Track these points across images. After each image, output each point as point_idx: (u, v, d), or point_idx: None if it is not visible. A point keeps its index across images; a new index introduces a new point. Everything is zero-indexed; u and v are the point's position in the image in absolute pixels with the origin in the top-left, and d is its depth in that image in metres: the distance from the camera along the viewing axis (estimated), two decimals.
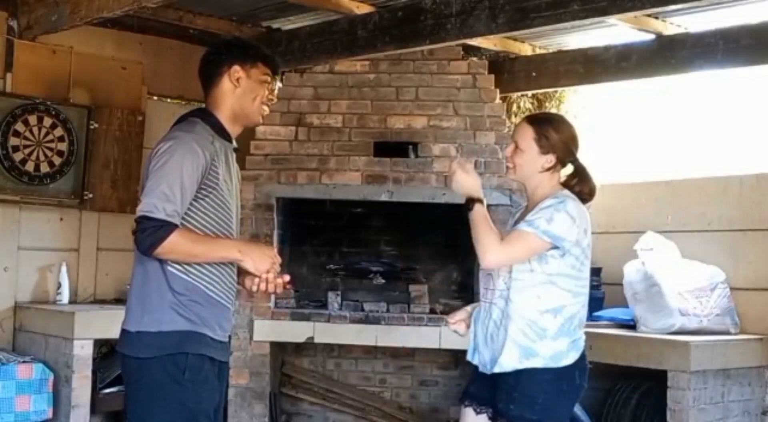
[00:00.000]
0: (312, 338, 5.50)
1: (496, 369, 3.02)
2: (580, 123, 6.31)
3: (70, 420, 4.80)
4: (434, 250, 5.91)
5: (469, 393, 3.20)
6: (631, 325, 5.16)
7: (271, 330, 5.53)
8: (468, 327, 3.23)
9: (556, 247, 2.97)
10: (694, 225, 5.34)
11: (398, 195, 5.54)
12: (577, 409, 5.04)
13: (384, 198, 5.53)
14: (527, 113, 6.28)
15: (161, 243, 2.64)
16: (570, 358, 3.00)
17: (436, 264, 5.94)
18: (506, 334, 3.00)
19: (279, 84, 5.94)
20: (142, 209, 2.67)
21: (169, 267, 2.73)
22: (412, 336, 5.42)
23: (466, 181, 3.07)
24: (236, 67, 2.87)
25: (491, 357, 3.07)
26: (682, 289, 4.98)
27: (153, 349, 2.72)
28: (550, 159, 3.07)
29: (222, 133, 2.89)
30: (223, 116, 2.90)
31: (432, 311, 5.46)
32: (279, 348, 5.79)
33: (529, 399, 2.95)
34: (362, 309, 5.57)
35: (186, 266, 2.74)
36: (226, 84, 2.89)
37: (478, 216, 3.02)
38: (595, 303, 5.49)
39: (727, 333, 4.98)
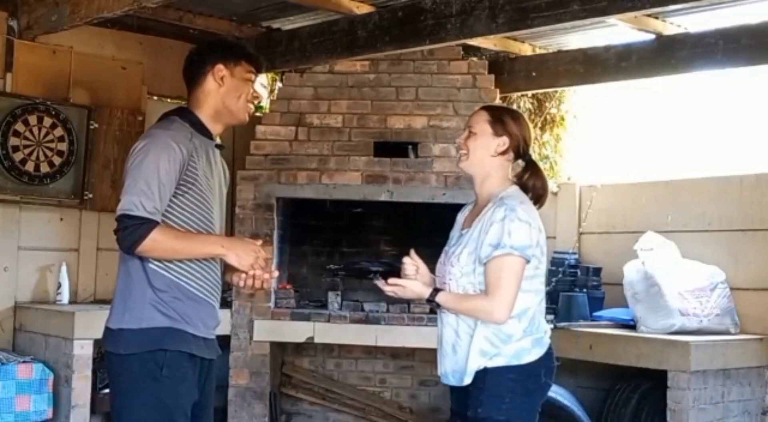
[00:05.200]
0: (312, 338, 5.50)
1: (466, 381, 2.97)
2: (580, 123, 6.34)
3: (70, 420, 4.80)
4: (434, 250, 5.88)
5: (453, 411, 3.19)
6: (631, 325, 5.16)
7: (271, 330, 5.53)
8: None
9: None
10: (694, 226, 5.34)
11: (398, 195, 5.54)
12: (577, 409, 5.05)
13: (384, 198, 5.53)
14: (527, 113, 6.29)
15: (143, 240, 2.65)
16: (533, 355, 2.96)
17: (436, 264, 5.93)
18: (470, 343, 2.96)
19: (279, 84, 5.96)
20: (122, 208, 2.68)
21: (150, 265, 2.75)
22: (412, 336, 5.42)
23: (415, 289, 3.05)
24: (220, 66, 2.89)
25: (452, 369, 3.03)
26: (682, 289, 4.98)
27: (133, 346, 2.74)
28: (504, 141, 3.03)
29: (202, 130, 2.89)
30: (205, 114, 2.92)
31: (432, 311, 5.45)
32: (279, 348, 5.79)
33: (496, 400, 2.93)
34: (362, 309, 5.57)
35: (167, 263, 2.76)
36: (210, 83, 2.90)
37: (449, 301, 2.98)
38: (595, 303, 5.49)
39: (727, 333, 4.98)
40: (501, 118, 3.06)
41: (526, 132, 3.09)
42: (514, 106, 6.22)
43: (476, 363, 2.95)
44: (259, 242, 2.89)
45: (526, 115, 6.15)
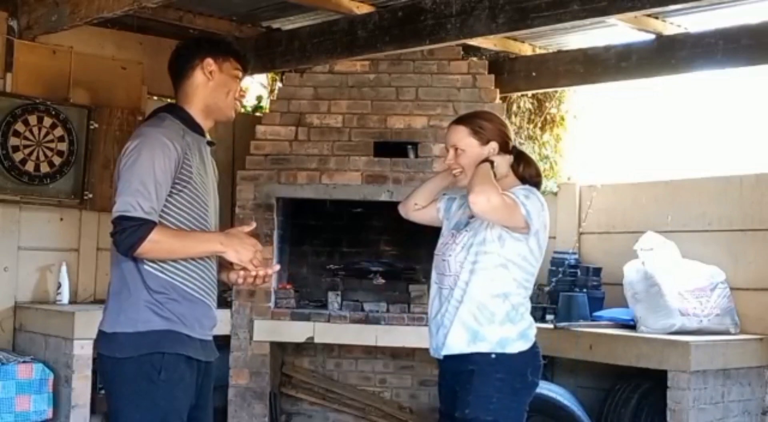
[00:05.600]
0: (312, 338, 5.50)
1: (444, 352, 3.05)
2: (580, 123, 6.34)
3: (70, 420, 4.81)
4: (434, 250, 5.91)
5: (442, 413, 3.23)
6: (631, 325, 5.16)
7: (271, 330, 5.53)
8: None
9: (524, 229, 2.99)
10: (694, 226, 5.34)
11: (398, 195, 5.53)
12: (577, 409, 5.05)
13: (384, 198, 5.53)
14: (527, 113, 6.29)
15: (142, 242, 2.60)
16: (517, 347, 3.01)
17: None
18: (455, 316, 3.03)
19: (279, 84, 5.96)
20: (118, 209, 2.62)
21: (145, 266, 2.69)
22: (412, 336, 5.42)
23: (503, 163, 3.09)
24: (209, 60, 2.86)
25: (436, 343, 3.11)
26: (682, 289, 4.98)
27: (129, 349, 2.69)
28: (493, 147, 3.10)
29: (194, 127, 2.86)
30: (195, 110, 2.88)
31: None
32: (279, 348, 5.79)
33: (483, 400, 2.97)
34: (362, 309, 5.57)
35: (162, 264, 2.70)
36: (198, 77, 2.87)
37: (489, 171, 3.01)
38: (595, 303, 5.49)
39: (727, 333, 4.98)
40: (480, 126, 3.12)
41: (504, 128, 3.16)
42: (514, 107, 6.23)
43: (459, 338, 3.01)
44: (253, 225, 2.87)
45: (526, 115, 6.25)
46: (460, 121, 3.18)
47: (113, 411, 2.77)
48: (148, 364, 2.68)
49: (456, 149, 3.12)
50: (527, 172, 3.15)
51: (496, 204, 2.91)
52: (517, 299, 3.05)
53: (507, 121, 3.23)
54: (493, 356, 2.99)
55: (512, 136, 3.18)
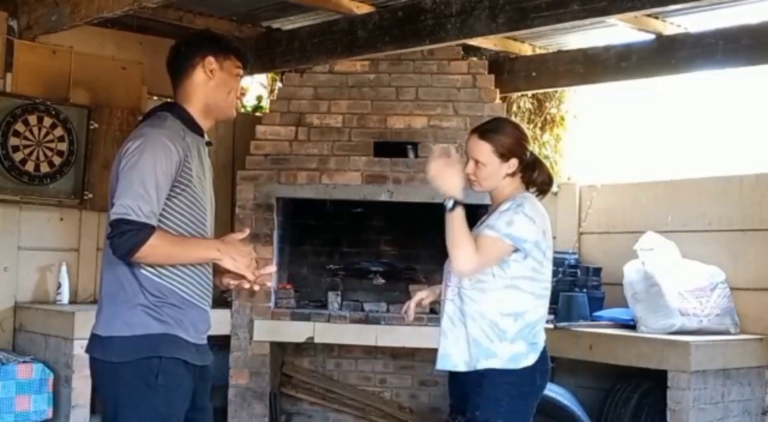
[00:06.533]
0: (312, 338, 5.50)
1: (456, 368, 3.06)
2: (580, 123, 6.34)
3: (70, 420, 4.80)
4: (434, 250, 5.90)
5: (453, 408, 3.24)
6: (631, 325, 5.16)
7: (271, 330, 5.53)
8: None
9: (517, 250, 3.00)
10: (694, 226, 5.34)
11: (398, 195, 5.54)
12: (577, 409, 5.05)
13: (384, 198, 5.53)
14: (527, 113, 6.29)
15: (141, 246, 2.56)
16: (529, 360, 3.02)
17: (436, 264, 5.91)
18: (466, 333, 3.04)
19: (279, 84, 5.96)
20: (118, 212, 2.57)
21: (142, 270, 2.66)
22: (412, 336, 5.42)
23: (452, 179, 3.03)
24: (210, 59, 2.81)
25: (442, 353, 3.11)
26: (682, 289, 4.98)
27: (126, 353, 2.65)
28: (513, 163, 3.11)
29: (193, 127, 2.81)
30: (195, 109, 2.83)
31: (432, 311, 5.45)
32: (279, 348, 5.79)
33: (492, 403, 2.98)
34: (362, 309, 5.57)
35: (159, 268, 2.67)
36: (199, 75, 2.82)
37: (458, 220, 3.01)
38: (595, 303, 5.49)
39: (727, 333, 4.98)
40: (502, 144, 3.10)
41: (525, 141, 3.16)
42: (514, 107, 6.23)
43: (467, 352, 3.02)
44: (246, 232, 2.85)
45: (526, 115, 6.25)
46: (484, 136, 3.13)
47: (111, 416, 2.72)
48: (145, 368, 2.65)
49: (477, 162, 3.13)
50: (539, 178, 3.15)
51: (475, 267, 2.98)
52: (534, 315, 3.05)
53: (523, 128, 3.23)
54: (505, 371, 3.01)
55: (530, 145, 3.19)
